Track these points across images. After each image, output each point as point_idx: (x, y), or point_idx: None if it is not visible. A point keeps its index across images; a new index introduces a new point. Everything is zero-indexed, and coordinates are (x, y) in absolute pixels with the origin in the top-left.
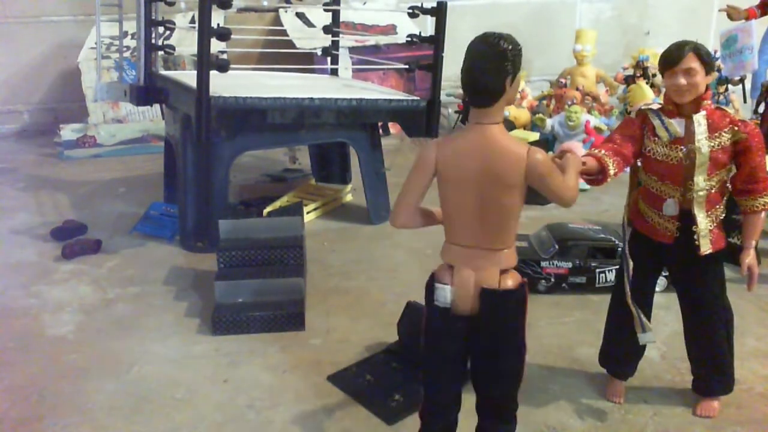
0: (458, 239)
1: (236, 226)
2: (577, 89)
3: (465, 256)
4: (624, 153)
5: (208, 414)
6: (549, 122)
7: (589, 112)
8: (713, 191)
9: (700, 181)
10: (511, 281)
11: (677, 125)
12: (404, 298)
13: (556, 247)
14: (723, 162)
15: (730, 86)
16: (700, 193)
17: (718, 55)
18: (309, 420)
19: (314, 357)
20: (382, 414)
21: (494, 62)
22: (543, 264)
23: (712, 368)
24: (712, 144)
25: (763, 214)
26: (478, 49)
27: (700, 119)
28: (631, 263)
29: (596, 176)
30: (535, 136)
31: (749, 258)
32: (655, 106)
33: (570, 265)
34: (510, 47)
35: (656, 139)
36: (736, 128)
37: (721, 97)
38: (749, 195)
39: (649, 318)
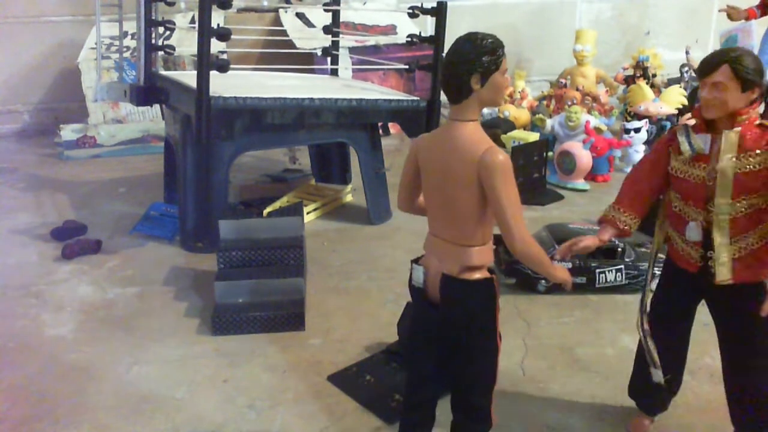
0: (432, 229)
1: (236, 227)
2: (577, 89)
3: (434, 246)
4: (642, 190)
5: (208, 414)
6: (549, 122)
7: (589, 112)
8: (740, 216)
9: (721, 203)
10: (475, 274)
11: (702, 141)
12: (404, 298)
13: (556, 247)
14: (752, 186)
15: None
16: (721, 216)
17: None
18: (309, 420)
19: (314, 357)
20: (382, 414)
21: (460, 59)
22: None
23: (752, 412)
24: (740, 164)
25: None
26: (452, 47)
27: (730, 135)
28: (652, 287)
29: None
30: (535, 136)
31: None
32: (691, 122)
33: (570, 265)
34: (480, 46)
35: (680, 156)
36: None
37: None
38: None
39: (682, 360)
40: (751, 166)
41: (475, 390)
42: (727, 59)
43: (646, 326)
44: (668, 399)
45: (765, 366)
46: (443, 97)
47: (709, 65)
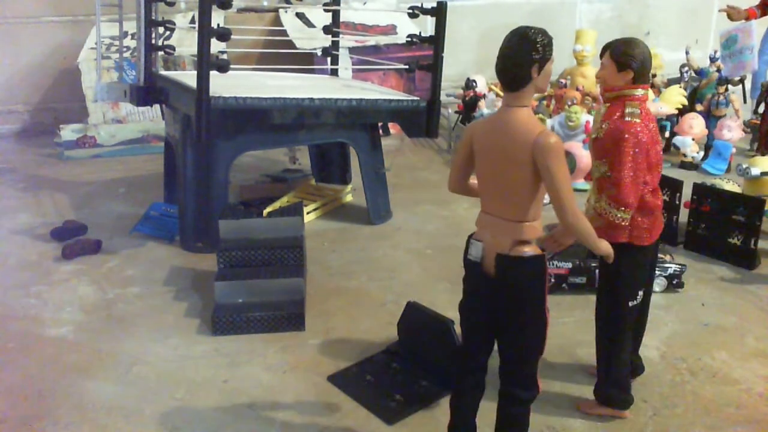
0: (485, 208)
1: (236, 227)
2: (577, 89)
3: (488, 224)
4: None
5: (208, 414)
6: (549, 122)
7: (589, 112)
8: (599, 176)
9: (594, 164)
10: (526, 250)
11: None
12: (404, 298)
13: None
14: (601, 152)
15: (730, 86)
16: (595, 175)
17: (718, 55)
18: (309, 420)
19: (314, 357)
20: (382, 414)
21: (521, 51)
22: None
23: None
24: (597, 133)
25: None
26: (509, 39)
27: (601, 109)
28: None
29: None
30: None
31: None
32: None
33: (570, 265)
34: (538, 38)
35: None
36: (609, 122)
37: (721, 97)
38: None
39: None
40: (600, 133)
41: (525, 359)
42: (607, 46)
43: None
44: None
45: (617, 314)
46: (442, 96)
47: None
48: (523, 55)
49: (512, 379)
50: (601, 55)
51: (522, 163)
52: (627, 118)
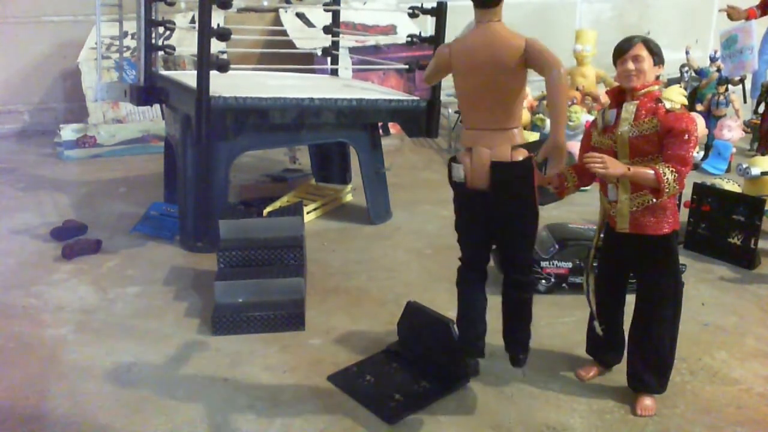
0: (473, 123)
1: (236, 226)
2: (577, 89)
3: (479, 137)
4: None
5: (208, 414)
6: (549, 122)
7: (589, 112)
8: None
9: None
10: (520, 155)
11: (610, 115)
12: (404, 298)
13: (556, 247)
14: (645, 150)
15: (730, 86)
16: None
17: (718, 55)
18: (309, 420)
19: (314, 357)
20: (382, 414)
21: None
22: (543, 264)
23: (648, 362)
24: (633, 130)
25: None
26: None
27: (629, 107)
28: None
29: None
30: (535, 136)
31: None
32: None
33: (570, 265)
34: None
35: (596, 130)
36: (655, 118)
37: (721, 97)
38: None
39: (622, 312)
40: (643, 131)
41: (522, 248)
42: (637, 39)
43: (591, 283)
44: (620, 354)
45: (664, 315)
46: (442, 96)
47: (627, 44)
48: None
49: (514, 267)
50: (625, 50)
51: (512, 67)
52: (673, 109)
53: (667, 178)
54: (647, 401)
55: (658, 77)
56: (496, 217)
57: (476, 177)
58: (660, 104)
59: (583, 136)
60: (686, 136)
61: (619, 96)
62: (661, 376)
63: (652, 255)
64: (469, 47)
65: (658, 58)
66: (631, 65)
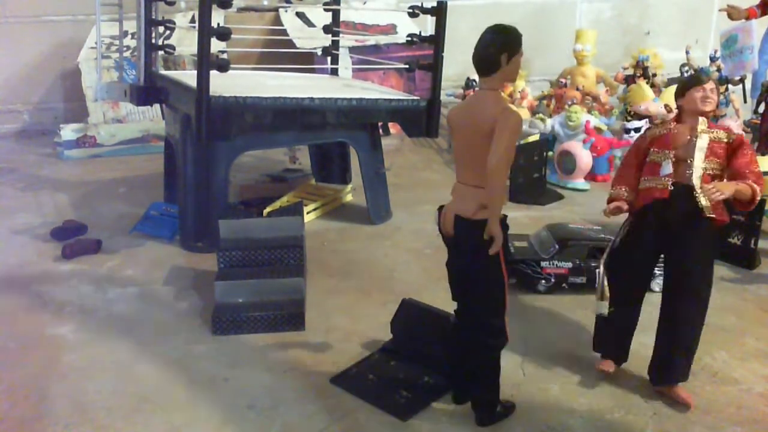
0: (457, 177)
1: (236, 226)
2: (578, 89)
3: (457, 190)
4: (631, 171)
5: (208, 414)
6: (549, 122)
7: (589, 112)
8: (711, 173)
9: (699, 159)
10: (482, 214)
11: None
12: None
13: (556, 247)
14: (718, 152)
15: (730, 86)
16: (698, 169)
17: (718, 55)
18: (309, 420)
19: (314, 357)
20: (394, 411)
21: (492, 40)
22: (543, 264)
23: (679, 348)
24: (712, 136)
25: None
26: (484, 32)
27: (701, 120)
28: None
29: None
30: (535, 136)
31: None
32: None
33: (570, 265)
34: (507, 31)
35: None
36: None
37: (722, 97)
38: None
39: (642, 296)
40: (718, 138)
41: (485, 310)
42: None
43: (607, 258)
44: (626, 352)
45: (697, 299)
46: (442, 96)
47: (700, 77)
48: (494, 45)
49: (475, 328)
50: (704, 81)
51: (486, 134)
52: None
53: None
54: (683, 391)
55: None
56: (462, 270)
57: (447, 226)
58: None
59: (632, 152)
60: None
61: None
62: (689, 364)
63: (706, 238)
64: (463, 109)
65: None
66: (710, 93)
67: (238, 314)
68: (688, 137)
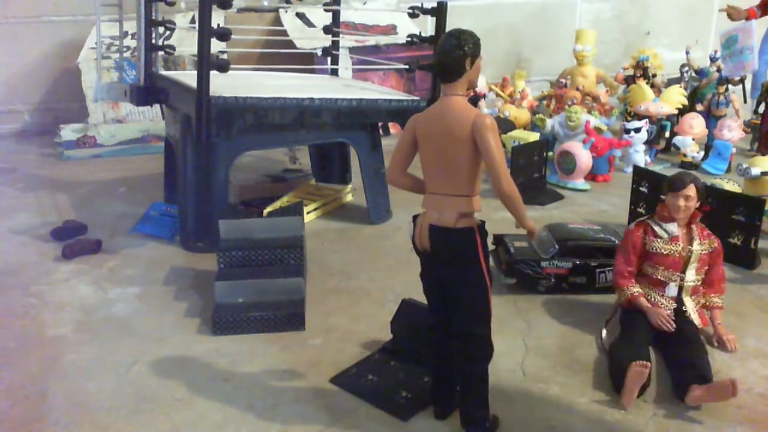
0: (430, 188)
1: (236, 226)
2: (578, 89)
3: (430, 201)
4: (631, 268)
5: (208, 414)
6: (549, 122)
7: (589, 112)
8: (697, 284)
9: (692, 276)
10: (465, 223)
11: (674, 228)
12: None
13: (556, 247)
14: (704, 263)
15: (730, 86)
16: (689, 284)
17: (718, 55)
18: (309, 420)
19: (314, 357)
20: (394, 411)
21: (457, 45)
22: (543, 264)
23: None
24: (702, 248)
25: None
26: (444, 38)
27: (694, 229)
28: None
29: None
30: (535, 136)
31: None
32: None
33: (570, 265)
34: (468, 37)
35: (658, 239)
36: (711, 240)
37: (721, 97)
38: (712, 293)
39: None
40: (706, 249)
41: (470, 320)
42: (692, 178)
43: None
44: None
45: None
46: None
47: (681, 183)
48: (457, 50)
49: (460, 338)
50: (682, 187)
51: (462, 140)
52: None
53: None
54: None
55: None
56: (443, 281)
57: (422, 238)
58: (705, 227)
59: (631, 243)
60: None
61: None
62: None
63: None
64: (430, 118)
65: (702, 195)
66: (682, 202)
67: (238, 314)
68: (683, 254)
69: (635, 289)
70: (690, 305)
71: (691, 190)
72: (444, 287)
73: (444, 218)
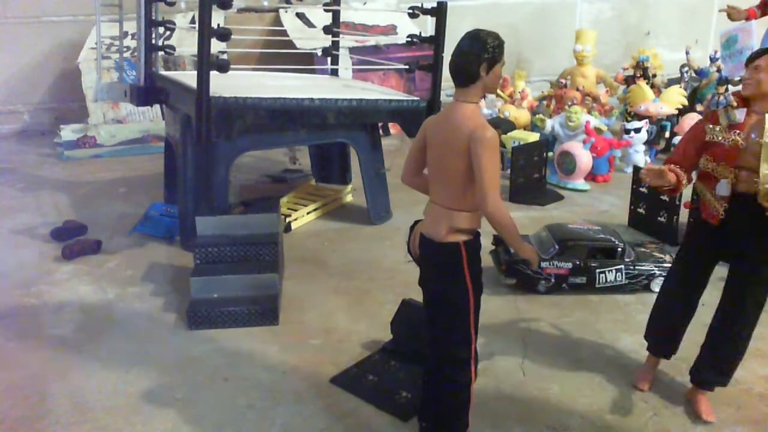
0: (431, 197)
1: (213, 223)
2: (578, 89)
3: (429, 210)
4: (688, 153)
5: (208, 414)
6: (549, 123)
7: (589, 112)
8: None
9: (766, 173)
10: (453, 238)
11: (738, 113)
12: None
13: (556, 247)
14: None
15: (730, 86)
16: (766, 186)
17: (718, 55)
18: (309, 420)
19: (314, 357)
20: (394, 411)
21: (471, 50)
22: (543, 264)
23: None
24: None
25: None
26: (462, 39)
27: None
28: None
29: (673, 186)
30: (535, 136)
31: None
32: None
33: (570, 265)
34: (489, 40)
35: (716, 127)
36: None
37: (721, 97)
38: None
39: (695, 306)
40: None
41: (449, 341)
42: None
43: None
44: (679, 344)
45: (755, 306)
46: (442, 96)
47: (755, 54)
48: (473, 54)
49: (439, 358)
50: (753, 59)
51: (460, 152)
52: None
53: None
54: (708, 403)
55: None
56: (429, 290)
57: (414, 246)
58: None
59: (692, 131)
60: None
61: (746, 99)
62: (731, 374)
63: (759, 250)
64: (438, 122)
65: None
66: (747, 74)
67: (213, 309)
68: (742, 145)
69: (672, 166)
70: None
71: (762, 61)
72: (428, 297)
73: (435, 230)
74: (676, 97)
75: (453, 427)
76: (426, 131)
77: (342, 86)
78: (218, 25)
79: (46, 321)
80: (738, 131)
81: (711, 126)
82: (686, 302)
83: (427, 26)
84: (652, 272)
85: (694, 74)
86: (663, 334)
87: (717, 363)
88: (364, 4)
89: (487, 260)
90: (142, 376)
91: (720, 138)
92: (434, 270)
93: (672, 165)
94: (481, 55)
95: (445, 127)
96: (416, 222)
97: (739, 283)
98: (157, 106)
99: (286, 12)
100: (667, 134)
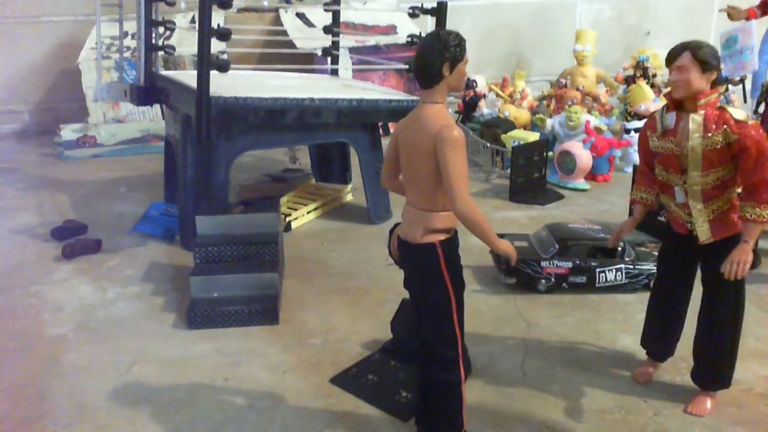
0: (406, 199)
1: (213, 223)
2: (578, 89)
3: (405, 212)
4: (645, 170)
5: (208, 414)
6: (549, 122)
7: (589, 112)
8: (709, 187)
9: (694, 176)
10: (428, 239)
11: (669, 118)
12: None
13: (556, 247)
14: (716, 161)
15: (730, 86)
16: (695, 187)
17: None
18: (309, 420)
19: (314, 357)
20: (394, 411)
21: (433, 50)
22: (543, 264)
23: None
24: (705, 143)
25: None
26: (423, 40)
27: (695, 118)
28: None
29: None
30: (535, 136)
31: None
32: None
33: (570, 265)
34: (449, 39)
35: (655, 134)
36: (728, 130)
37: (721, 97)
38: (747, 201)
39: (683, 306)
40: (714, 144)
41: (436, 339)
42: (687, 46)
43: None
44: (673, 346)
45: (728, 319)
46: None
47: (673, 53)
48: (435, 54)
49: (428, 358)
50: (673, 58)
51: (428, 153)
52: (743, 121)
53: (764, 217)
54: (703, 402)
55: (714, 84)
56: (411, 292)
57: (394, 249)
58: (725, 113)
59: (640, 140)
60: (763, 145)
61: (677, 101)
62: (723, 375)
63: (725, 252)
64: (407, 125)
65: (707, 65)
66: (674, 75)
67: (213, 309)
68: (676, 151)
69: (640, 194)
70: (699, 215)
71: (684, 59)
72: (412, 301)
73: (411, 232)
74: None
75: (448, 427)
76: (397, 134)
77: (342, 86)
78: (218, 24)
79: (46, 321)
80: (671, 137)
81: (650, 133)
82: (673, 302)
83: (427, 26)
84: (652, 271)
85: None
86: (656, 336)
87: (708, 365)
88: (364, 4)
89: (487, 260)
90: (142, 376)
91: (657, 145)
92: (413, 271)
93: (638, 189)
94: (443, 55)
95: (412, 129)
96: (396, 225)
97: (712, 283)
98: (157, 106)
99: (286, 12)
100: None
